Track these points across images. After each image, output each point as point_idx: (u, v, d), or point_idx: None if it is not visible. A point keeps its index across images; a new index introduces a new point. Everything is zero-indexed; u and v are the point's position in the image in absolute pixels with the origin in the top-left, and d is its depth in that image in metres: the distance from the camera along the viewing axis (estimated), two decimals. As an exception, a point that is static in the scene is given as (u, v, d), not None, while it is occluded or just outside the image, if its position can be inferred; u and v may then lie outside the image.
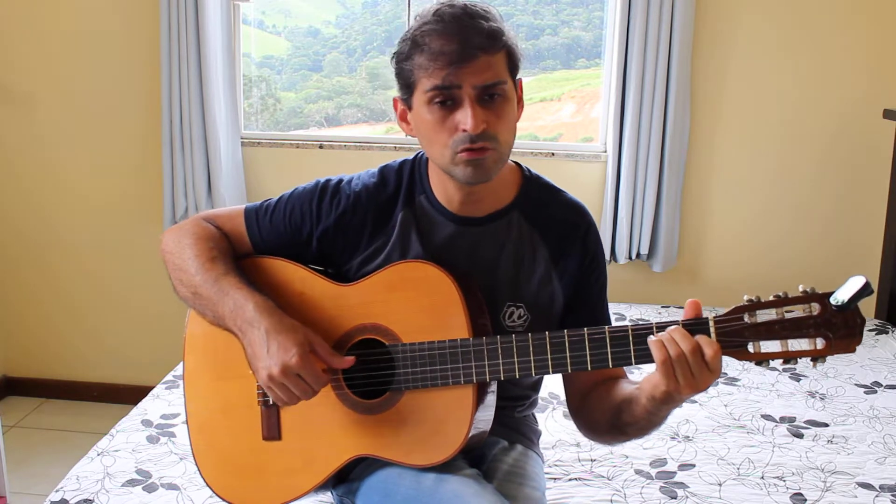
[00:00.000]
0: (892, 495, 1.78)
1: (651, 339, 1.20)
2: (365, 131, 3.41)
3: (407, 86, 1.35)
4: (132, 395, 3.04)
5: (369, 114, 3.45)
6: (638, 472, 1.85)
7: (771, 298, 1.19)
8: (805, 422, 2.12)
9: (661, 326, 1.23)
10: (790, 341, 1.19)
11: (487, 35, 1.29)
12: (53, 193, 3.26)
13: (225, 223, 1.50)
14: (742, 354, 1.20)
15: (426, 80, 1.30)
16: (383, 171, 1.50)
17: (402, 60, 1.34)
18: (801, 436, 2.04)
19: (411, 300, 1.36)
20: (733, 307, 1.22)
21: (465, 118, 1.29)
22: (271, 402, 1.42)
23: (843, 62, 2.95)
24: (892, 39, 2.93)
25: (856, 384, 2.35)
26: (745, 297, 1.20)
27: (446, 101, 1.30)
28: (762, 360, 1.20)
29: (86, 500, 1.66)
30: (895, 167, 2.86)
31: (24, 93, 3.19)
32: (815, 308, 1.17)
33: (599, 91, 3.18)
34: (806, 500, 1.75)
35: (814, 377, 2.38)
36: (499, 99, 1.32)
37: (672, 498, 1.75)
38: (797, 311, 1.18)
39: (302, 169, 3.13)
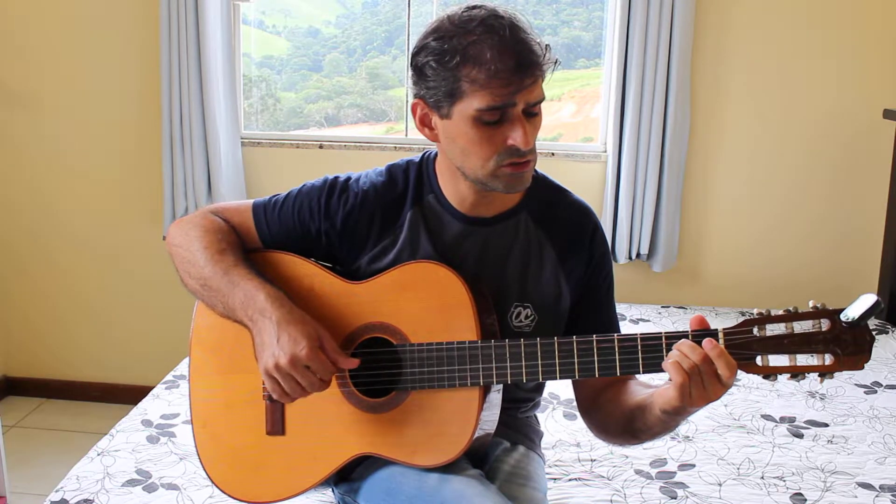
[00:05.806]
0: (892, 495, 1.78)
1: (666, 363, 1.21)
2: (365, 131, 3.41)
3: (449, 94, 1.29)
4: (132, 395, 3.04)
5: (369, 114, 3.45)
6: (638, 472, 1.85)
7: (781, 312, 1.20)
8: (805, 422, 2.12)
9: (671, 337, 1.24)
10: (798, 356, 1.20)
11: (539, 52, 1.29)
12: (53, 194, 3.26)
13: (233, 216, 1.50)
14: (750, 367, 1.21)
15: (480, 96, 1.26)
16: (391, 169, 1.49)
17: (447, 68, 1.27)
18: (801, 436, 2.04)
19: (421, 300, 1.36)
20: (742, 320, 1.23)
21: (517, 135, 1.28)
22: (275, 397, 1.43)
23: (842, 62, 2.95)
24: (892, 39, 2.93)
25: (856, 384, 2.35)
26: (756, 311, 1.21)
27: (497, 119, 1.28)
28: (770, 373, 1.21)
29: (86, 500, 1.66)
30: (895, 167, 2.87)
31: (24, 93, 3.19)
32: (825, 324, 1.18)
33: (599, 91, 3.18)
34: (806, 500, 1.75)
35: (814, 377, 2.37)
36: (538, 113, 1.33)
37: (672, 498, 1.75)
38: (807, 327, 1.19)
39: (302, 169, 3.12)
